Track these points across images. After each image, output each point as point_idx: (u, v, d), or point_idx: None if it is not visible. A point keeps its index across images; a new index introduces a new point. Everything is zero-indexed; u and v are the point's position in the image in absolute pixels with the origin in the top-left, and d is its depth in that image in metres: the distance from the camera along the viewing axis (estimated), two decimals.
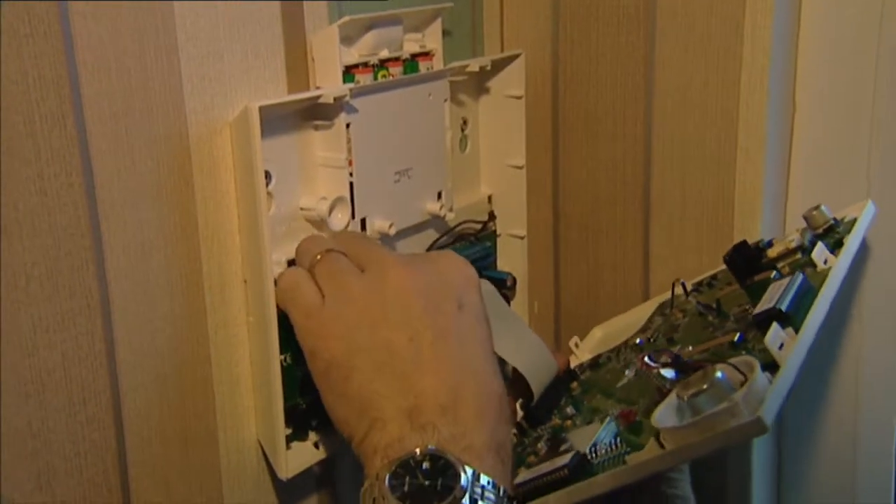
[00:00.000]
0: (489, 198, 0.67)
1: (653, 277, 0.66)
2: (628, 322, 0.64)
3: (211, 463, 0.51)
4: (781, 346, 0.44)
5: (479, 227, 0.66)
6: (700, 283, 0.61)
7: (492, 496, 0.43)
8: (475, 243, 0.65)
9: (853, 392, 0.65)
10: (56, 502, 0.43)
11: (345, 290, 0.47)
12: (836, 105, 0.62)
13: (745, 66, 0.58)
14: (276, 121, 0.50)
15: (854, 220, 0.57)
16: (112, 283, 0.44)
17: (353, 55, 0.54)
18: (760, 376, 0.41)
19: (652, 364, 0.47)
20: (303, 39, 0.52)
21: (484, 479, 0.43)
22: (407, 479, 0.42)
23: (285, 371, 0.51)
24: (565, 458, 0.47)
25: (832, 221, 0.58)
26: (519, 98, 0.65)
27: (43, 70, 0.40)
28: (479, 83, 0.65)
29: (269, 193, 0.50)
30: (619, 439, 0.47)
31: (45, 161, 0.41)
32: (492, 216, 0.67)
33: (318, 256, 0.49)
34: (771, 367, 0.42)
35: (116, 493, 0.46)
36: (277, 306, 0.49)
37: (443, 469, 0.42)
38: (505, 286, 0.64)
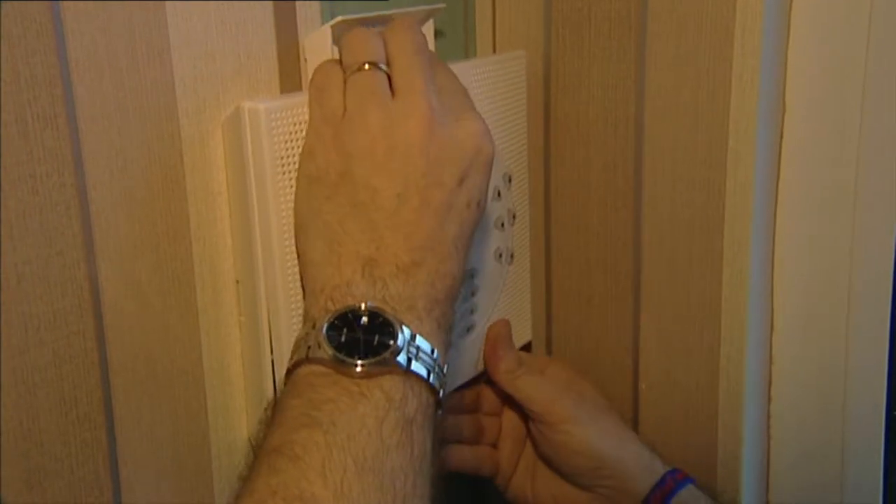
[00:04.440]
0: None
1: (643, 279, 0.66)
2: None
3: (203, 464, 0.51)
4: None
5: None
6: None
7: (427, 358, 0.43)
8: None
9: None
10: (47, 502, 0.43)
11: (364, 115, 0.46)
12: (825, 107, 0.62)
13: (735, 69, 0.58)
14: None
15: None
16: (103, 283, 0.44)
17: None
18: None
19: None
20: (295, 40, 0.52)
21: (420, 342, 0.43)
22: (345, 330, 0.42)
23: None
24: None
25: None
26: None
27: (35, 69, 0.40)
28: None
29: None
30: None
31: (37, 160, 0.41)
32: None
33: (359, 67, 0.48)
34: None
35: (107, 493, 0.46)
36: None
37: (381, 326, 0.42)
38: None
